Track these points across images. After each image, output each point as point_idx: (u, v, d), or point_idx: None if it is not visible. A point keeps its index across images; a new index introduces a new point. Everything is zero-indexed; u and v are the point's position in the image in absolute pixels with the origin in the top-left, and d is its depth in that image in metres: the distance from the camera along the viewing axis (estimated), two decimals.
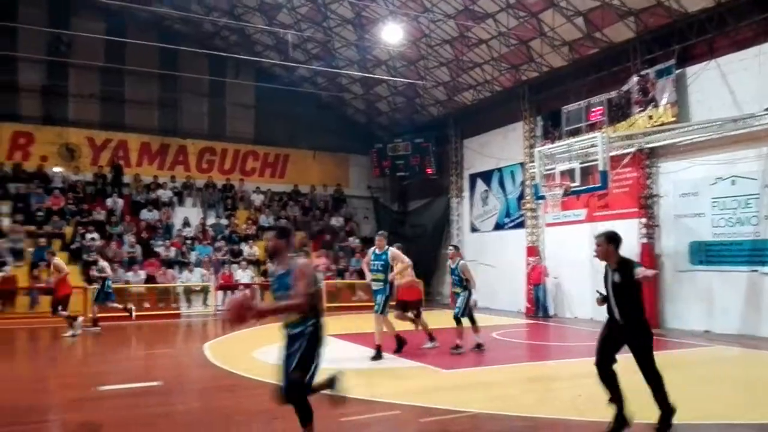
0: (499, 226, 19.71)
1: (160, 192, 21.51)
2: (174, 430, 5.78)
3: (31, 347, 12.26)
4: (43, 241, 17.70)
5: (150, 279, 18.45)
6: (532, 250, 17.58)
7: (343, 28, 18.79)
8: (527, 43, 16.06)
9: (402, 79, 19.47)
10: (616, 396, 5.18)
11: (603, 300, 5.45)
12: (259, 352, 10.17)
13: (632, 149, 13.94)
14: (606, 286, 5.38)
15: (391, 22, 16.81)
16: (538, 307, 16.83)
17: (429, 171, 21.97)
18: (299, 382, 4.34)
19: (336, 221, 23.73)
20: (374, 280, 9.55)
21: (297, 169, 24.28)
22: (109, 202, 20.33)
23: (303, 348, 4.37)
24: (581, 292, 15.53)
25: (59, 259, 13.47)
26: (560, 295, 16.79)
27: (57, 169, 20.35)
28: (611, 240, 5.38)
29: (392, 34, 17.11)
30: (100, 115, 21.38)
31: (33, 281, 16.98)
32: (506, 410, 6.18)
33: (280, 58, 20.61)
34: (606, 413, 5.25)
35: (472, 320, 10.36)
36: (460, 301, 10.27)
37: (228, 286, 19.09)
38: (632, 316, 5.24)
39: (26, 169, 19.97)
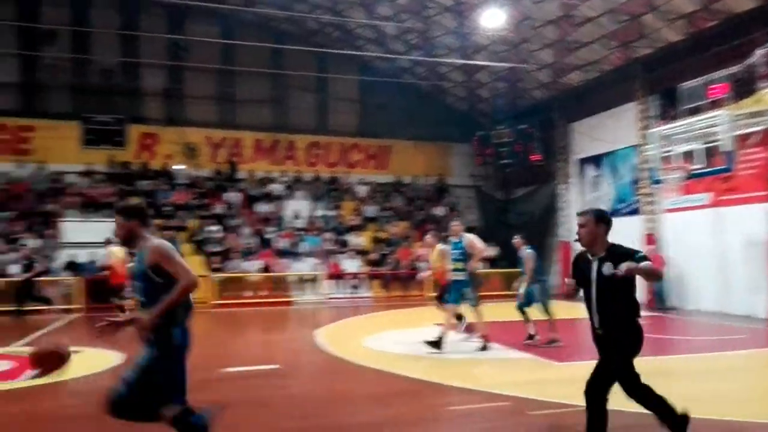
0: (611, 213, 18.79)
1: (272, 186, 22.61)
2: (289, 411, 6.10)
3: None
4: (171, 233, 19.20)
5: (265, 268, 19.48)
6: (650, 238, 16.64)
7: (442, 16, 18.69)
8: (638, 18, 15.17)
9: (504, 64, 19.05)
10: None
11: (575, 290, 4.39)
12: (367, 340, 10.46)
13: (761, 127, 12.80)
14: (585, 281, 4.27)
15: (492, 6, 16.49)
16: (657, 298, 15.89)
17: (534, 157, 21.34)
18: (122, 401, 3.71)
19: (439, 211, 23.75)
20: (455, 269, 9.22)
21: (399, 159, 24.54)
22: (227, 196, 21.65)
23: (145, 360, 3.73)
24: (704, 282, 14.59)
25: (115, 248, 13.29)
26: (681, 286, 15.74)
27: (180, 167, 21.94)
28: (600, 219, 4.26)
29: (493, 18, 16.78)
30: (216, 115, 22.79)
31: None
32: (623, 406, 5.90)
33: (381, 51, 20.88)
34: (730, 412, 4.91)
35: (523, 312, 9.69)
36: (531, 295, 9.63)
37: (337, 275, 19.80)
38: (618, 323, 4.14)
39: (153, 167, 21.72)
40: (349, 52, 20.81)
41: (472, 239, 9.29)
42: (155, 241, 3.87)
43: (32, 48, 20.10)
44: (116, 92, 21.34)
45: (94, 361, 8.68)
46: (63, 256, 18.10)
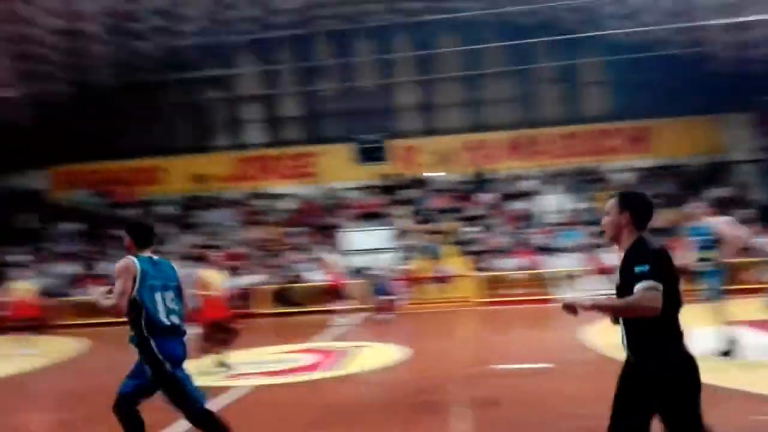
0: None
1: (525, 182, 22.67)
2: (563, 410, 6.15)
3: (433, 328, 14.37)
4: (435, 237, 20.61)
5: (524, 266, 19.58)
6: None
7: None
8: None
9: None
10: None
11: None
12: None
13: None
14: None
15: None
16: None
17: None
18: (120, 401, 4.09)
19: (718, 192, 21.06)
20: (702, 259, 7.76)
21: (663, 140, 22.52)
22: (481, 197, 22.37)
23: (135, 371, 4.09)
24: None
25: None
26: None
27: (437, 174, 23.34)
28: (627, 204, 2.98)
29: None
30: (466, 120, 23.80)
31: (433, 272, 19.62)
32: None
33: (631, 25, 19.44)
34: None
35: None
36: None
37: (600, 270, 18.91)
38: (649, 347, 2.84)
39: (412, 176, 23.47)
40: (595, 33, 19.80)
41: (723, 224, 7.79)
42: (126, 259, 4.13)
43: (308, 83, 23.53)
44: (376, 112, 23.69)
45: (382, 356, 9.86)
46: (347, 263, 20.57)
